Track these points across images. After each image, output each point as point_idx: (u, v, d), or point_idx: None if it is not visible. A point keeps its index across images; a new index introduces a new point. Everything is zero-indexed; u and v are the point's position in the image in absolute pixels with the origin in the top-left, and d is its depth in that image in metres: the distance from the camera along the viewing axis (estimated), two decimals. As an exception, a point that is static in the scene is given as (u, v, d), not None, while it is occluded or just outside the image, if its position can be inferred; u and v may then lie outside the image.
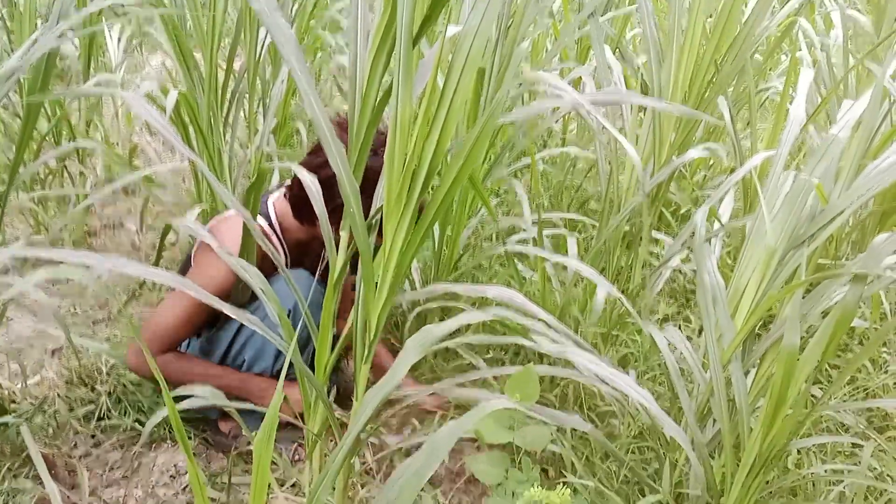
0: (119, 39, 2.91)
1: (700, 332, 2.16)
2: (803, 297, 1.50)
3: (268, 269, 1.52)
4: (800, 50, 2.82)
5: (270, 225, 1.76)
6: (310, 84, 1.27)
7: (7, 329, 2.17)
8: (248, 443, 1.83)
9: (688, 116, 1.83)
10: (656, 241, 2.34)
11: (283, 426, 1.82)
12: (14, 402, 1.84)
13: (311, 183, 1.38)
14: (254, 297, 1.65)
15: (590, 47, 3.06)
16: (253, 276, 1.39)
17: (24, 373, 1.88)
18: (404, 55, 1.27)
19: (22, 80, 2.14)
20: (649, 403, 1.26)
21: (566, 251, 1.98)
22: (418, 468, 1.04)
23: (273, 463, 1.73)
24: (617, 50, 2.58)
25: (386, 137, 1.46)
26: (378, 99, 1.35)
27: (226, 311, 1.33)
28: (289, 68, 1.27)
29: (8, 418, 1.64)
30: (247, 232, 1.51)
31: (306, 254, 1.87)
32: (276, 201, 1.81)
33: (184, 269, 1.82)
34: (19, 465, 1.68)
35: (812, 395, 1.93)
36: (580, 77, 2.44)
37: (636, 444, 1.74)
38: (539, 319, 1.40)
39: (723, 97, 2.51)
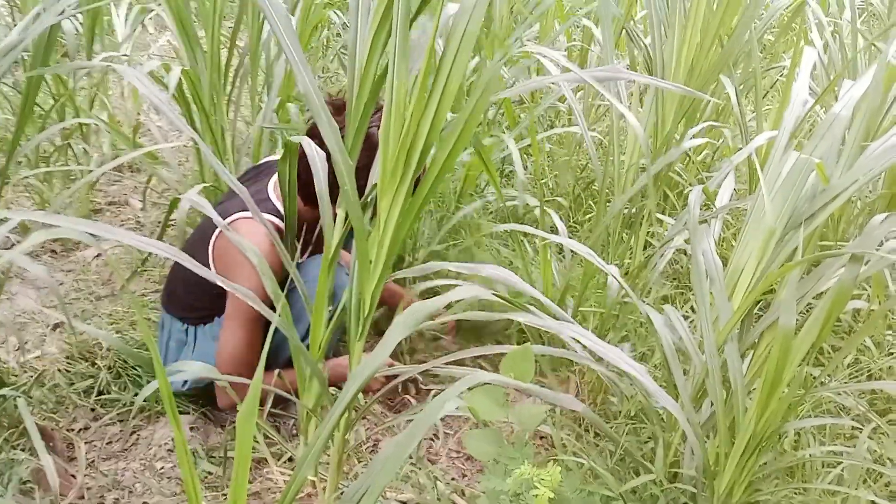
0: (126, 18, 2.90)
1: (700, 313, 2.15)
2: (803, 278, 1.48)
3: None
4: (810, 31, 2.78)
5: (280, 217, 1.74)
6: (300, 57, 1.26)
7: (11, 303, 2.19)
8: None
9: (689, 96, 1.81)
10: (660, 221, 2.33)
11: (288, 403, 1.83)
12: (14, 375, 1.86)
13: (317, 158, 1.38)
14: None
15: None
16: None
17: (24, 347, 1.89)
18: (401, 31, 1.27)
19: (25, 57, 2.14)
20: (641, 377, 1.26)
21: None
22: (402, 442, 1.05)
23: (270, 438, 1.74)
24: (623, 30, 2.55)
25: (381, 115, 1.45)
26: (377, 75, 1.34)
27: (268, 318, 1.37)
28: (282, 46, 1.26)
29: (6, 391, 1.65)
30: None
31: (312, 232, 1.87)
32: (276, 187, 1.79)
33: (192, 251, 1.79)
34: (17, 436, 1.69)
35: (812, 377, 1.92)
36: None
37: (632, 425, 1.74)
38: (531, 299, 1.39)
39: (728, 77, 2.49)
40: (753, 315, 1.58)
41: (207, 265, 1.74)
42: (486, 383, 1.31)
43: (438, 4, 1.34)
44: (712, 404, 1.56)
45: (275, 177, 1.82)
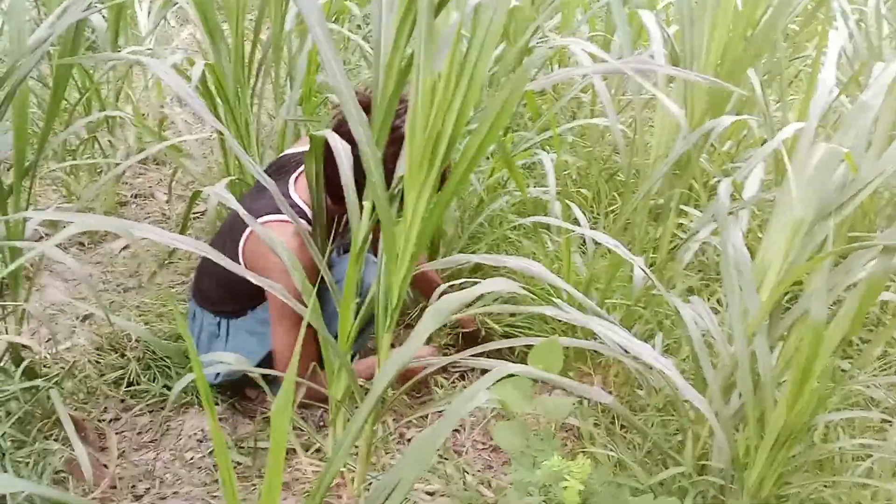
0: (149, 11, 2.92)
1: (727, 305, 2.13)
2: (831, 270, 1.47)
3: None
4: (834, 20, 2.74)
5: (306, 218, 1.74)
6: (332, 51, 1.27)
7: (40, 295, 2.22)
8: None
9: (718, 87, 1.79)
10: (685, 213, 2.31)
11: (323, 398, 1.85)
12: (45, 366, 1.89)
13: (342, 151, 1.38)
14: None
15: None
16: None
17: (55, 339, 1.91)
18: (426, 23, 1.27)
19: (52, 52, 2.16)
20: (671, 371, 1.26)
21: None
22: (433, 434, 1.05)
23: (299, 429, 1.76)
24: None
25: (406, 107, 1.45)
26: (401, 68, 1.34)
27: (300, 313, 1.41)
28: (314, 38, 1.27)
29: (38, 382, 1.67)
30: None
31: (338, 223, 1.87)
32: (299, 186, 1.79)
33: (221, 248, 1.78)
34: (49, 427, 1.72)
35: (841, 370, 1.90)
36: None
37: (660, 417, 1.74)
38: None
39: (753, 69, 2.46)
40: (781, 307, 1.57)
41: (236, 259, 1.75)
42: (512, 375, 1.31)
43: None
44: (741, 396, 1.55)
45: (295, 174, 1.82)
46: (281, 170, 1.83)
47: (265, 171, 1.97)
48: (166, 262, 2.33)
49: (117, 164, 2.50)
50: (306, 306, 1.46)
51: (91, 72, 2.51)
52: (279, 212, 1.63)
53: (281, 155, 1.95)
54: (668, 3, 3.39)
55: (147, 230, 1.26)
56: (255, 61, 2.40)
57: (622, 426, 1.83)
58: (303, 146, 1.68)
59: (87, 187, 2.57)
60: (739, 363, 1.45)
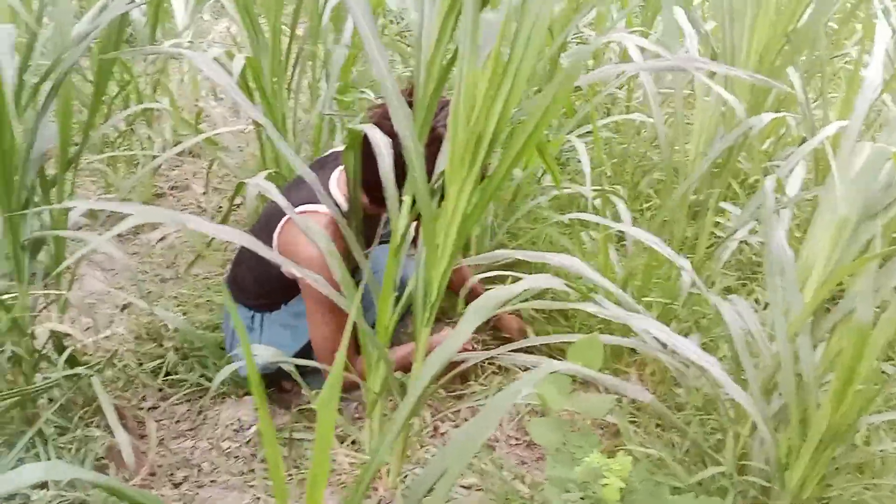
0: (185, 5, 2.95)
1: (766, 305, 2.11)
2: (877, 271, 1.45)
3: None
4: (876, 18, 2.70)
5: (344, 214, 1.75)
6: (378, 46, 1.27)
7: (80, 284, 2.25)
8: (310, 401, 1.87)
9: (761, 84, 1.77)
10: (722, 211, 2.29)
11: (350, 387, 1.85)
12: (87, 354, 1.91)
13: (381, 144, 1.38)
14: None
15: (656, 14, 2.99)
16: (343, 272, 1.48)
17: (97, 327, 1.94)
18: (471, 19, 1.26)
19: (91, 46, 2.19)
20: (713, 368, 1.25)
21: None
22: (477, 429, 1.05)
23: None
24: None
25: (447, 104, 1.45)
26: (444, 64, 1.34)
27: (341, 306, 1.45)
28: (361, 32, 1.27)
29: (80, 370, 1.70)
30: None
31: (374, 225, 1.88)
32: (340, 183, 1.80)
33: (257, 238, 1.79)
34: (90, 414, 1.74)
35: (883, 372, 1.87)
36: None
37: (699, 416, 1.72)
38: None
39: (793, 66, 2.43)
40: (822, 307, 1.55)
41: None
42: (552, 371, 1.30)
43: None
44: (781, 396, 1.54)
45: (336, 171, 1.82)
46: (324, 167, 1.84)
47: (309, 167, 1.98)
48: (203, 253, 2.35)
49: (154, 157, 2.53)
50: (342, 295, 1.47)
51: (130, 65, 2.54)
52: (316, 202, 1.64)
53: (326, 153, 1.97)
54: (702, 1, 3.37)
55: (199, 223, 1.27)
56: (292, 56, 2.41)
57: (658, 424, 1.82)
58: None
59: (124, 179, 2.60)
60: (782, 363, 1.44)
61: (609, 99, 3.07)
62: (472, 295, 1.90)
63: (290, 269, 1.44)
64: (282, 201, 1.45)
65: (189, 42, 2.50)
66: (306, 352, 1.82)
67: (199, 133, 2.54)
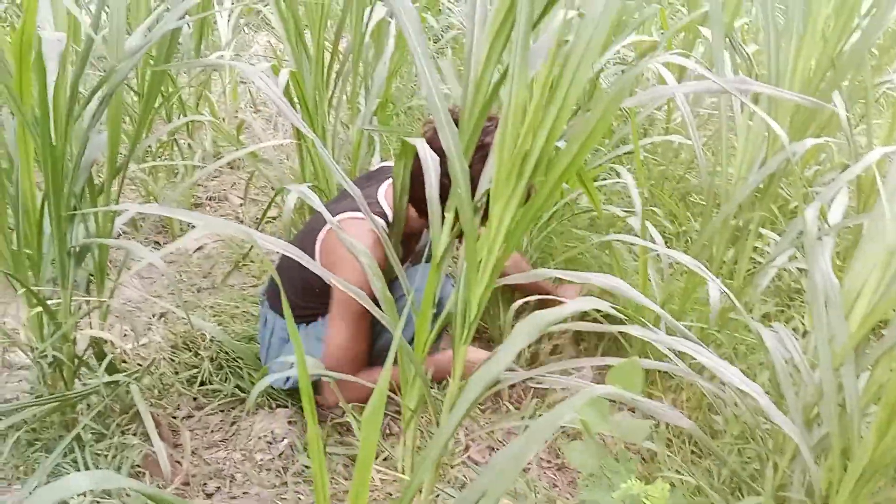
0: (229, 19, 3.00)
1: (804, 333, 2.08)
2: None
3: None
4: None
5: (389, 224, 1.76)
6: (428, 62, 1.28)
7: (117, 292, 2.27)
8: (343, 413, 1.87)
9: (809, 107, 1.76)
10: (760, 236, 2.27)
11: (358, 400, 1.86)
12: (124, 361, 1.93)
13: (430, 161, 1.39)
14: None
15: (696, 36, 2.98)
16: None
17: (137, 334, 1.96)
18: (522, 41, 1.27)
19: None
20: (759, 397, 1.23)
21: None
22: (517, 452, 1.04)
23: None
24: (726, 38, 2.50)
25: (493, 124, 1.46)
26: (493, 83, 1.34)
27: (374, 314, 1.44)
28: (411, 49, 1.28)
29: (119, 377, 1.72)
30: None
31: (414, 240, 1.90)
32: (387, 195, 1.81)
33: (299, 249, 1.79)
34: (127, 421, 1.76)
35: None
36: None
37: (738, 445, 1.70)
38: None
39: (836, 91, 2.41)
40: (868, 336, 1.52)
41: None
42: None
43: (559, 12, 1.34)
44: (819, 426, 1.51)
45: (386, 183, 1.84)
46: (371, 179, 1.86)
47: (357, 179, 2.00)
48: (240, 264, 2.37)
49: (195, 167, 2.56)
50: (377, 305, 1.47)
51: (175, 77, 2.58)
52: (358, 211, 1.65)
53: (377, 167, 1.98)
54: (743, 24, 3.35)
55: (266, 240, 1.30)
56: (333, 71, 2.43)
57: (692, 451, 1.80)
58: None
59: (164, 188, 2.63)
60: (825, 393, 1.41)
61: (647, 120, 3.06)
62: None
63: (329, 278, 1.44)
64: (322, 209, 1.46)
65: (235, 55, 2.53)
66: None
67: (239, 144, 2.58)
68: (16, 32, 1.42)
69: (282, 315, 1.90)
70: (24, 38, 1.41)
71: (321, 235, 1.78)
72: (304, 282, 1.79)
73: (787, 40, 1.93)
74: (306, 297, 1.83)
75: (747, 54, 2.56)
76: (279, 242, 1.39)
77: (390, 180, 1.83)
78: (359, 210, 1.63)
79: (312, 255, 1.78)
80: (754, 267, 2.22)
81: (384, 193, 1.82)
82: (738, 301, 1.96)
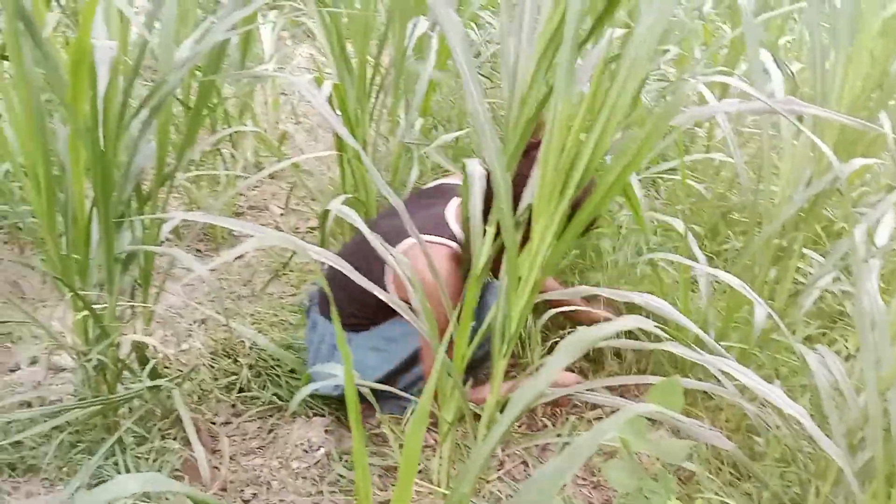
0: (273, 30, 3.04)
1: (847, 356, 2.05)
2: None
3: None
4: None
5: (460, 244, 1.77)
6: (474, 77, 1.29)
7: (161, 298, 2.31)
8: (379, 424, 1.88)
9: (856, 128, 1.73)
10: (803, 256, 2.24)
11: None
12: (166, 366, 1.96)
13: (475, 177, 1.40)
14: None
15: (740, 54, 2.96)
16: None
17: (179, 340, 1.99)
18: (568, 60, 1.27)
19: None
20: (803, 419, 1.21)
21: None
22: (558, 469, 1.04)
23: (400, 447, 1.77)
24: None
25: (534, 143, 1.46)
26: (538, 99, 1.35)
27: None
28: (457, 64, 1.29)
29: (161, 381, 1.74)
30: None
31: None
32: (457, 215, 1.83)
33: (364, 260, 1.71)
34: (168, 426, 1.78)
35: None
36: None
37: (779, 468, 1.67)
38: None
39: (883, 111, 2.37)
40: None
41: (381, 278, 1.78)
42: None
43: (607, 31, 1.34)
44: (863, 450, 1.49)
45: (453, 203, 1.85)
46: (431, 197, 1.87)
47: (412, 197, 2.01)
48: (279, 273, 2.39)
49: (238, 176, 2.60)
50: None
51: (220, 88, 2.62)
52: (433, 233, 1.69)
53: (433, 184, 1.99)
54: (788, 40, 3.32)
55: (324, 254, 1.32)
56: (375, 84, 2.46)
57: (731, 473, 1.77)
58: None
59: (207, 196, 2.67)
60: (871, 417, 1.39)
61: (688, 136, 3.04)
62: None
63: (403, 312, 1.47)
64: (413, 229, 1.48)
65: (278, 67, 2.57)
66: (390, 377, 1.83)
67: (281, 155, 2.61)
68: (71, 44, 1.46)
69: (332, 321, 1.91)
70: (79, 49, 1.45)
71: (401, 251, 1.76)
72: (361, 293, 1.78)
73: (834, 59, 1.91)
74: (361, 308, 1.84)
75: (791, 72, 2.54)
76: (341, 263, 1.40)
77: (457, 200, 1.84)
78: (430, 233, 1.67)
79: (381, 272, 1.78)
80: (796, 287, 2.19)
81: (454, 214, 1.82)
82: (781, 322, 1.94)
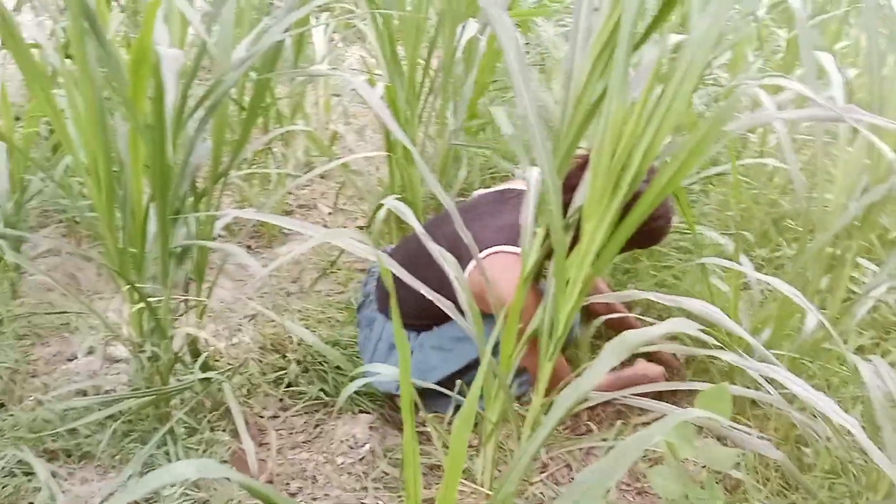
0: (325, 32, 3.09)
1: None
2: None
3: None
4: None
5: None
6: (527, 81, 1.29)
7: (213, 292, 2.36)
8: (424, 422, 1.89)
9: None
10: (856, 265, 2.20)
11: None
12: (217, 360, 2.00)
13: (532, 182, 1.41)
14: None
15: (795, 58, 2.91)
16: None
17: (230, 334, 2.03)
18: (622, 62, 1.27)
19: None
20: (855, 430, 1.19)
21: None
22: (605, 471, 1.04)
23: (446, 446, 1.78)
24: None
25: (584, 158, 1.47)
26: (593, 101, 1.35)
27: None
28: (509, 67, 1.30)
29: (213, 374, 1.78)
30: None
31: None
32: None
33: (428, 262, 1.66)
34: (217, 418, 1.82)
35: None
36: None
37: (829, 479, 1.65)
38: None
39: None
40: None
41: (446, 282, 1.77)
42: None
43: (662, 35, 1.34)
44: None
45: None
46: (499, 202, 1.87)
47: (474, 201, 2.00)
48: (328, 271, 2.43)
49: (289, 175, 2.65)
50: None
51: (273, 88, 2.67)
52: (509, 243, 1.72)
53: (500, 188, 1.99)
54: (843, 45, 3.26)
55: (386, 259, 1.34)
56: (425, 86, 2.48)
57: (779, 482, 1.75)
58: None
59: (259, 194, 2.72)
60: (926, 431, 1.36)
61: (741, 141, 3.00)
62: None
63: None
64: (473, 247, 1.51)
65: (331, 68, 2.61)
66: (453, 378, 1.83)
67: (332, 155, 2.65)
68: (133, 45, 1.51)
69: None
70: (141, 49, 1.49)
71: (470, 267, 1.76)
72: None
73: (893, 65, 1.87)
74: (430, 308, 1.83)
75: (847, 78, 2.48)
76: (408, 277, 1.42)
77: None
78: (504, 242, 1.72)
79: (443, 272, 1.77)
80: (849, 297, 2.15)
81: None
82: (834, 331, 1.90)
